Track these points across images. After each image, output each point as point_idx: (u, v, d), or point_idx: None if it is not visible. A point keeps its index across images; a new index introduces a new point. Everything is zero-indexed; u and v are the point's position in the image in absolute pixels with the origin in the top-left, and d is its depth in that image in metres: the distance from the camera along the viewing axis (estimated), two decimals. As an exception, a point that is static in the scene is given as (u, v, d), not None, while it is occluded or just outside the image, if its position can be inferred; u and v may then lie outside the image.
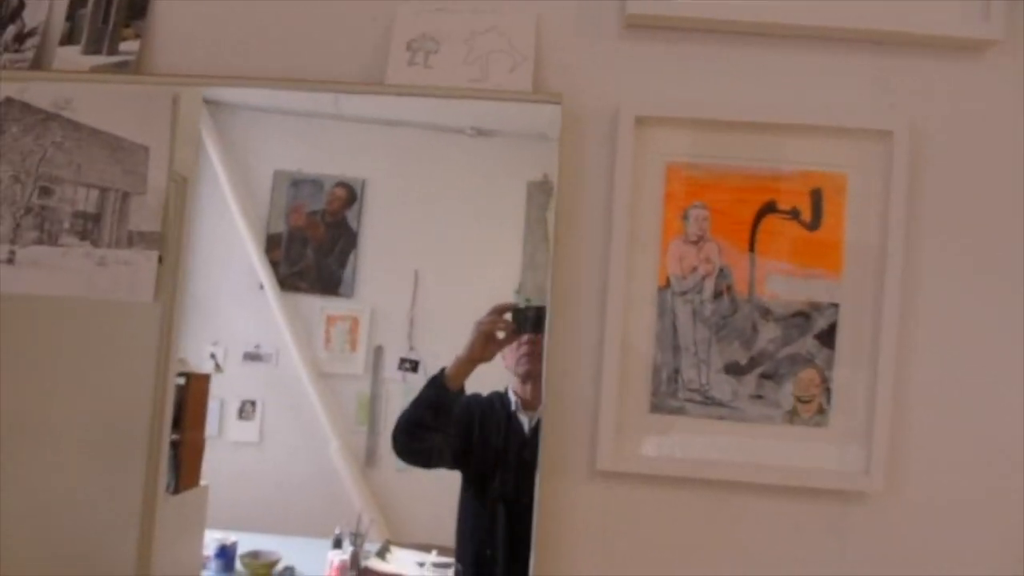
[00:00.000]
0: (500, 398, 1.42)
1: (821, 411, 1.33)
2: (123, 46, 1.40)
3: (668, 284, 1.34)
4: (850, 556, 1.34)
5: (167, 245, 1.35)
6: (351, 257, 1.44)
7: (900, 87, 1.36)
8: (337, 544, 1.44)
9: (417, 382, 1.39)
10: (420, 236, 1.44)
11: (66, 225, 1.34)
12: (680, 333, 1.34)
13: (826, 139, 1.33)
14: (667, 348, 1.34)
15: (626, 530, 1.34)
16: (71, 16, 1.43)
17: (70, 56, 1.40)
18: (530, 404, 1.40)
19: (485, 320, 1.37)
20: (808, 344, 1.33)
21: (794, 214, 1.34)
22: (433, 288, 1.42)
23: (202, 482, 1.48)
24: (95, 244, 1.34)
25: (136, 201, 1.34)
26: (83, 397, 1.46)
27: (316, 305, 1.46)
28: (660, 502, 1.34)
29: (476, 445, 1.40)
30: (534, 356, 1.37)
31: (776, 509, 1.34)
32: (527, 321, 1.36)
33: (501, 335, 1.37)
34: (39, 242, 1.34)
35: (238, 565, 1.47)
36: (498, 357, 1.38)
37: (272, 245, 1.44)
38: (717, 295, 1.34)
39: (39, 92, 1.36)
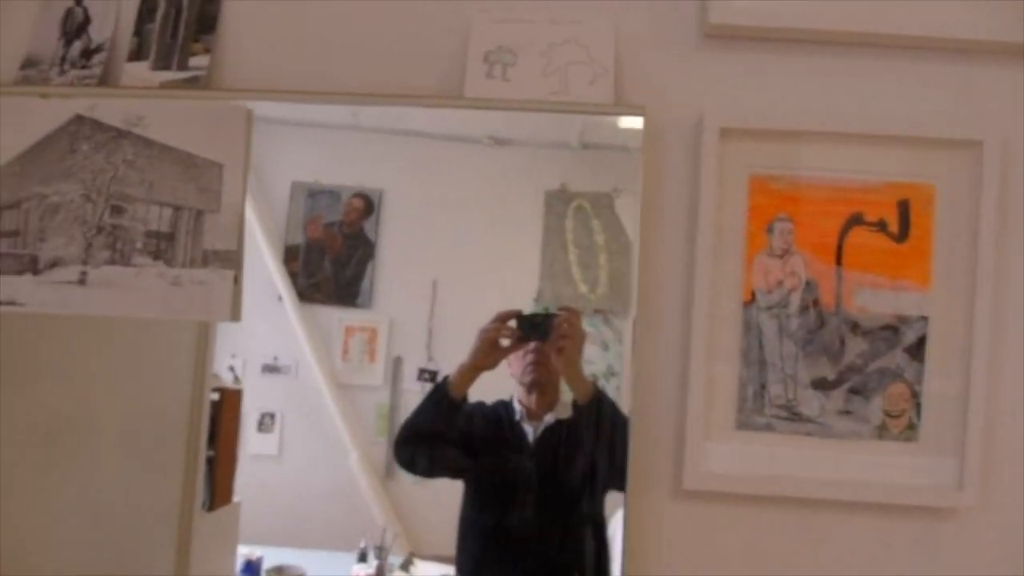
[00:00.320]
0: (505, 407, 1.40)
1: (911, 426, 1.31)
2: (193, 61, 1.37)
3: (753, 299, 1.32)
4: (941, 574, 1.31)
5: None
6: (369, 268, 1.43)
7: (989, 96, 1.34)
8: (362, 558, 1.42)
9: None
10: (438, 246, 1.42)
11: (139, 245, 1.32)
12: (766, 348, 1.31)
13: (913, 150, 1.31)
14: (753, 364, 1.31)
15: (713, 550, 1.32)
16: (138, 31, 1.40)
17: (139, 72, 1.37)
18: (535, 414, 1.39)
19: (489, 327, 1.35)
20: (897, 358, 1.30)
21: (881, 226, 1.32)
22: (451, 298, 1.40)
23: (234, 498, 1.48)
24: (169, 264, 1.31)
25: (210, 219, 1.31)
26: (120, 412, 1.45)
27: (334, 316, 1.45)
28: (747, 521, 1.31)
29: (479, 455, 1.38)
30: (540, 365, 1.36)
31: (866, 526, 1.31)
32: (532, 328, 1.34)
33: (506, 342, 1.35)
34: (111, 262, 1.32)
35: (264, 580, 1.46)
36: (504, 366, 1.36)
37: (290, 257, 1.43)
38: (803, 309, 1.32)
39: (109, 109, 1.33)
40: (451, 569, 1.39)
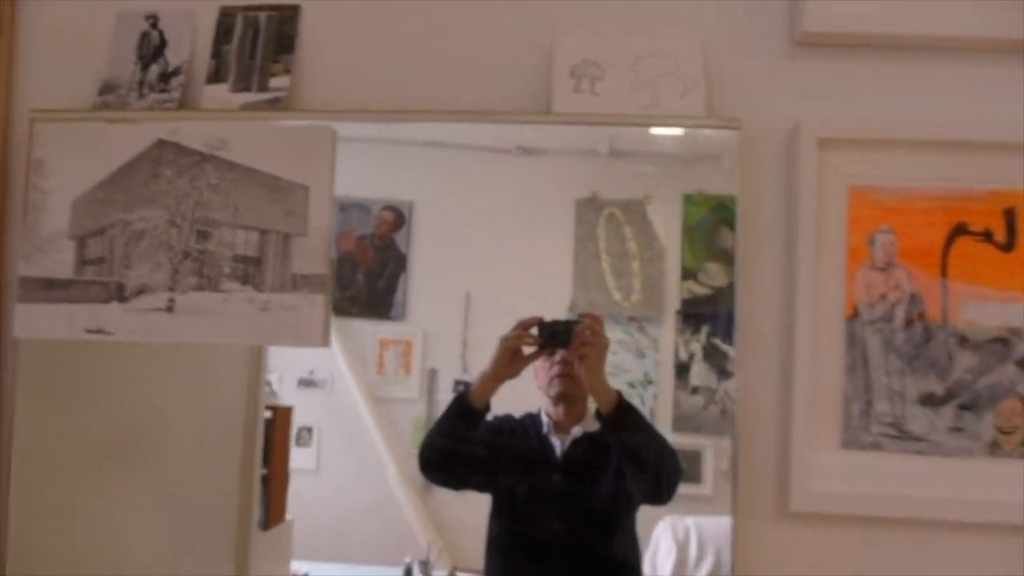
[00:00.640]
0: (533, 419, 1.37)
1: (1025, 442, 1.27)
2: (273, 82, 1.35)
3: (856, 313, 1.28)
4: (1058, 595, 1.28)
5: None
6: (401, 280, 1.41)
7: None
8: (407, 573, 1.40)
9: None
10: (470, 257, 1.41)
11: (226, 270, 1.30)
12: (871, 364, 1.27)
13: (1018, 156, 1.27)
14: (858, 380, 1.27)
15: (822, 572, 1.27)
16: (216, 53, 1.38)
17: (219, 94, 1.35)
18: (563, 426, 1.36)
19: (510, 335, 1.32)
20: (1009, 372, 1.26)
21: (987, 236, 1.27)
22: (485, 309, 1.38)
23: (287, 516, 1.46)
24: (257, 289, 1.29)
25: (298, 243, 1.29)
26: (177, 433, 1.43)
27: (368, 330, 1.44)
28: (856, 543, 1.27)
29: (506, 468, 1.35)
30: (567, 377, 1.33)
31: (979, 547, 1.27)
32: (553, 335, 1.31)
33: (528, 350, 1.32)
34: (199, 288, 1.30)
35: (308, 597, 1.44)
36: (531, 378, 1.34)
37: (324, 270, 1.42)
38: (908, 323, 1.27)
39: (192, 133, 1.32)
40: (491, 584, 1.37)
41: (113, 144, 1.34)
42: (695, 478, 1.35)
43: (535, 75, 1.35)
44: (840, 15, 1.28)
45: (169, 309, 1.30)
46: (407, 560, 1.41)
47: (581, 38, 1.34)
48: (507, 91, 1.36)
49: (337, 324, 1.41)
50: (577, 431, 1.36)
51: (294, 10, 1.38)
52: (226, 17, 1.39)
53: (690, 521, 1.35)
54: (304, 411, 1.46)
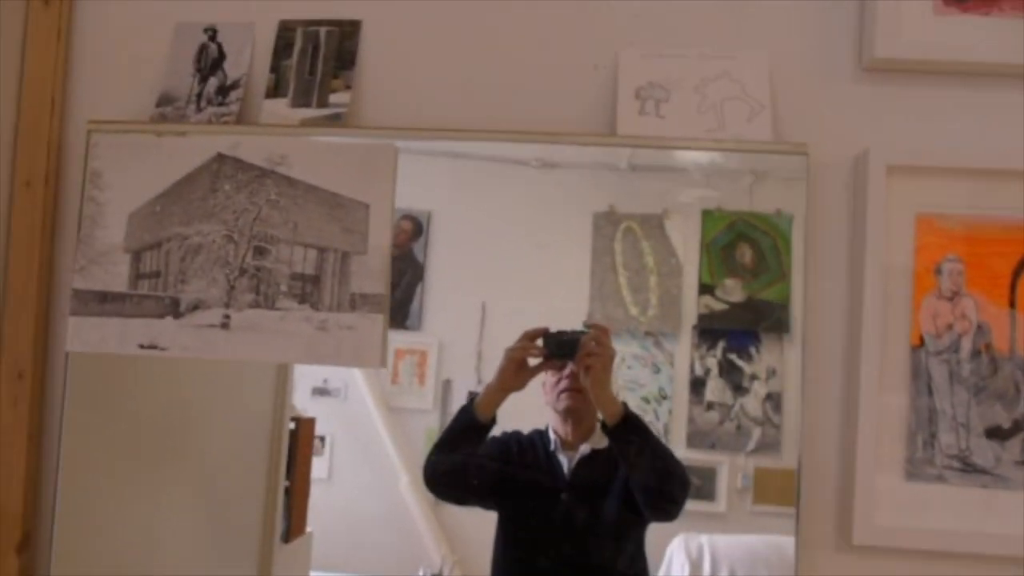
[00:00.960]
0: (540, 436, 1.35)
1: (1093, 478, 1.25)
2: (333, 98, 1.34)
3: (922, 343, 1.26)
4: (1125, 635, 1.25)
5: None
6: (418, 290, 1.40)
7: None
8: None
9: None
10: (486, 268, 1.40)
11: (283, 287, 1.28)
12: (936, 395, 1.25)
13: (1090, 186, 1.26)
14: (922, 412, 1.25)
15: (884, 608, 1.26)
16: (275, 68, 1.37)
17: (278, 109, 1.34)
18: (570, 443, 1.34)
19: (515, 346, 1.31)
20: (1077, 406, 1.25)
21: (1056, 267, 1.27)
22: (500, 320, 1.36)
23: (307, 528, 1.44)
24: (315, 308, 1.27)
25: (357, 261, 1.27)
26: (201, 444, 1.43)
27: None
28: (919, 577, 1.27)
29: (513, 486, 1.33)
30: (575, 392, 1.31)
31: (1045, 584, 1.26)
32: (558, 346, 1.29)
33: (533, 362, 1.31)
34: (255, 305, 1.28)
35: (326, 608, 1.42)
36: (539, 392, 1.32)
37: (340, 279, 1.41)
38: (975, 354, 1.26)
39: (252, 147, 1.30)
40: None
41: (171, 157, 1.32)
42: (709, 495, 1.33)
43: (597, 96, 1.34)
44: (910, 41, 1.27)
45: (224, 326, 1.28)
46: (420, 573, 1.39)
47: (645, 59, 1.32)
48: (569, 111, 1.35)
49: (353, 333, 1.41)
50: (585, 448, 1.34)
51: (355, 25, 1.38)
52: (286, 31, 1.38)
53: (704, 539, 1.33)
54: (317, 420, 1.45)
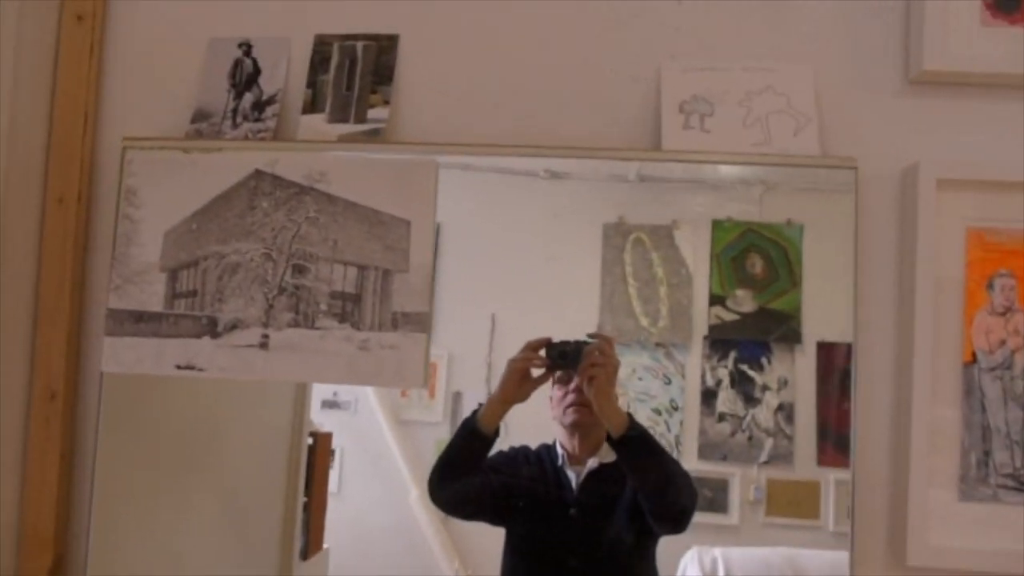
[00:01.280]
0: (548, 451, 1.33)
1: None
2: (371, 113, 1.32)
3: (974, 360, 1.24)
4: None
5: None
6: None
7: None
8: None
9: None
10: (496, 279, 1.39)
11: (323, 306, 1.26)
12: (989, 413, 1.23)
13: None
14: (975, 430, 1.23)
15: (939, 631, 1.24)
16: (312, 83, 1.35)
17: (315, 125, 1.32)
18: (577, 458, 1.32)
19: (518, 357, 1.29)
20: None
21: (1111, 281, 1.25)
22: (510, 332, 1.35)
23: (325, 545, 1.43)
24: (356, 327, 1.25)
25: (399, 279, 1.25)
26: (220, 460, 1.42)
27: None
28: (974, 600, 1.24)
29: (521, 501, 1.31)
30: (582, 405, 1.29)
31: (1103, 606, 1.23)
32: (561, 356, 1.27)
33: (536, 373, 1.29)
34: (294, 324, 1.26)
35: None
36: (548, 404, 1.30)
37: (349, 292, 1.39)
38: (1029, 371, 1.25)
39: (291, 164, 1.29)
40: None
41: (207, 174, 1.31)
42: (721, 508, 1.32)
43: (638, 109, 1.33)
44: (957, 53, 1.25)
45: (263, 346, 1.26)
46: (432, 588, 1.38)
47: (687, 73, 1.31)
48: (609, 126, 1.33)
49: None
50: (593, 463, 1.32)
51: (392, 40, 1.36)
52: (322, 46, 1.37)
53: (717, 552, 1.31)
54: (327, 433, 1.44)
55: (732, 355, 1.31)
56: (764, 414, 1.30)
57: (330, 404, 1.43)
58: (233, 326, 1.27)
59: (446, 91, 1.36)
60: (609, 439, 1.28)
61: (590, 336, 1.29)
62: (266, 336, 1.26)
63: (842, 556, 1.25)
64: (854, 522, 1.22)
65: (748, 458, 1.30)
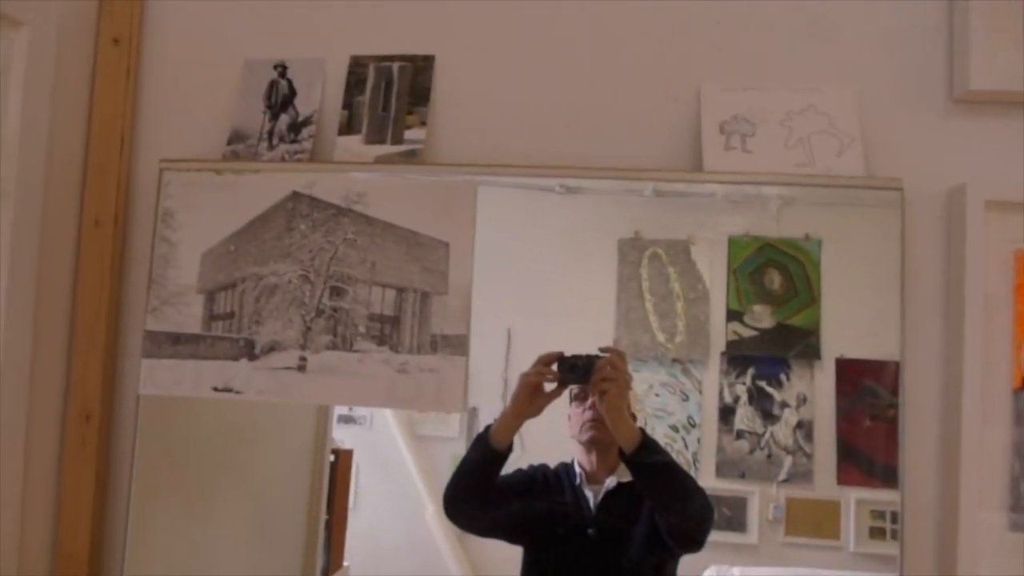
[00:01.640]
0: (566, 469, 1.32)
1: None
2: (408, 134, 1.32)
3: (1024, 385, 1.23)
4: None
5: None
6: None
7: None
8: None
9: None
10: (512, 294, 1.37)
11: (361, 329, 1.25)
12: (1040, 440, 1.22)
13: None
14: (1026, 457, 1.22)
15: (990, 662, 1.21)
16: (348, 104, 1.35)
17: (351, 146, 1.32)
18: (595, 477, 1.30)
19: (530, 371, 1.27)
20: None
21: None
22: (526, 347, 1.33)
23: (344, 563, 1.42)
24: (394, 349, 1.24)
25: (438, 302, 1.25)
26: (243, 479, 1.42)
27: None
28: (1026, 630, 1.21)
29: (539, 521, 1.29)
30: (598, 422, 1.26)
31: None
32: (573, 370, 1.25)
33: (549, 387, 1.27)
34: (332, 347, 1.25)
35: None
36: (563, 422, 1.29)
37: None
38: (1080, 396, 1.22)
39: (329, 186, 1.28)
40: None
41: (244, 195, 1.31)
42: (740, 526, 1.30)
43: (677, 130, 1.31)
44: (1004, 73, 1.23)
45: (301, 368, 1.25)
46: (450, 608, 1.36)
47: (727, 93, 1.29)
48: (648, 146, 1.32)
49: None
50: (611, 482, 1.30)
51: (428, 60, 1.36)
52: (358, 67, 1.37)
53: (736, 572, 1.30)
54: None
55: (750, 371, 1.30)
56: (783, 431, 1.29)
57: (345, 419, 1.42)
58: (271, 348, 1.27)
59: (483, 111, 1.35)
60: (622, 455, 1.27)
61: (602, 350, 1.27)
62: (304, 359, 1.26)
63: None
64: (903, 549, 1.19)
65: (767, 476, 1.28)
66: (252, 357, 1.27)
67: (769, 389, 1.29)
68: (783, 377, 1.30)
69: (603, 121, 1.33)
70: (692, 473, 1.29)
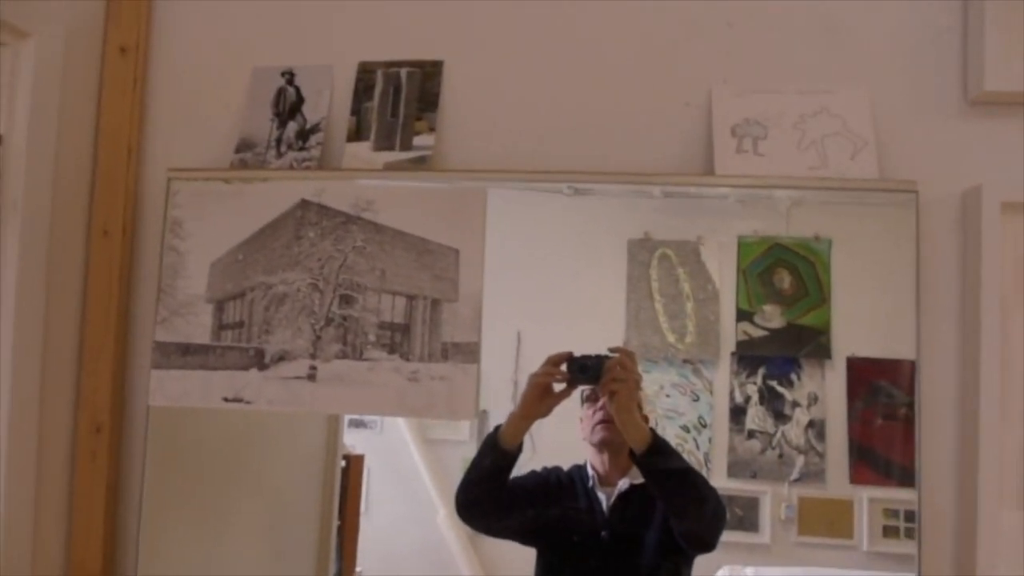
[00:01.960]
0: (579, 471, 1.31)
1: None
2: (417, 140, 1.31)
3: (1042, 386, 1.22)
4: None
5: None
6: None
7: None
8: None
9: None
10: (521, 296, 1.36)
11: (371, 337, 1.24)
12: (1059, 442, 1.21)
13: None
14: (1045, 459, 1.21)
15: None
16: (356, 110, 1.34)
17: (360, 153, 1.31)
18: (608, 479, 1.29)
19: (539, 372, 1.25)
20: None
21: None
22: (536, 349, 1.31)
23: (357, 568, 1.41)
24: (405, 358, 1.23)
25: (448, 309, 1.24)
26: (256, 487, 1.41)
27: None
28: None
29: (552, 523, 1.28)
30: (609, 423, 1.25)
31: None
32: (582, 371, 1.23)
33: (558, 388, 1.25)
34: (342, 356, 1.24)
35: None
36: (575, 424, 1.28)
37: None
38: (1099, 398, 1.21)
39: (338, 193, 1.28)
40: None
41: (253, 204, 1.30)
42: (752, 526, 1.29)
43: (689, 134, 1.31)
44: (1019, 74, 1.22)
45: (311, 377, 1.25)
46: (464, 610, 1.35)
47: (739, 96, 1.28)
48: (660, 150, 1.31)
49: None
50: (623, 484, 1.29)
51: (436, 66, 1.35)
52: (365, 73, 1.36)
53: (750, 571, 1.30)
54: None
55: (761, 371, 1.29)
56: (794, 431, 1.28)
57: (356, 423, 1.42)
58: (280, 358, 1.26)
59: (493, 117, 1.34)
60: (632, 455, 1.25)
61: (611, 350, 1.26)
62: (314, 368, 1.25)
63: (878, 577, 1.23)
64: (921, 549, 1.18)
65: (779, 476, 1.28)
66: (262, 367, 1.26)
67: (780, 389, 1.28)
68: (794, 377, 1.29)
69: (614, 125, 1.33)
70: (704, 473, 1.28)
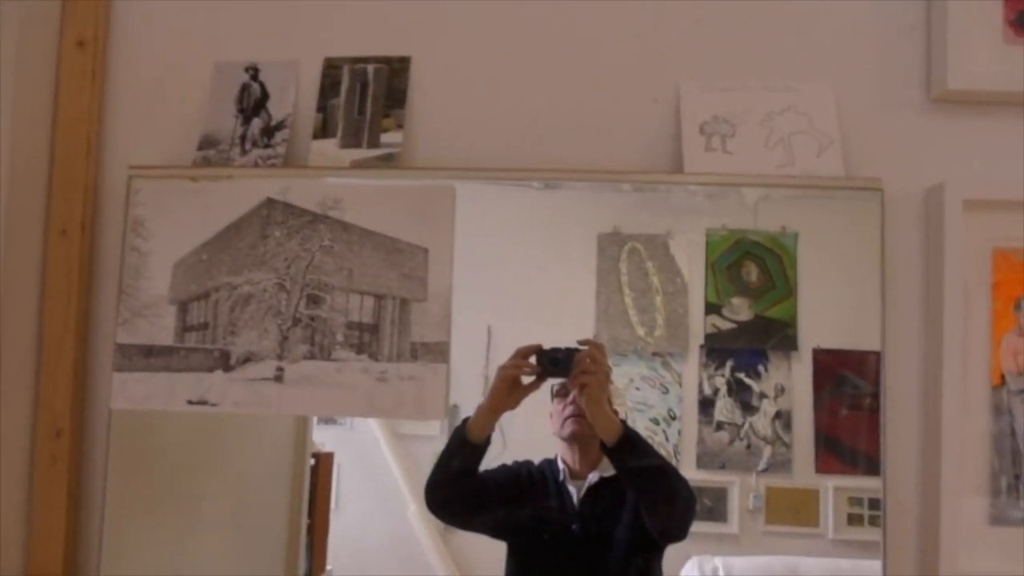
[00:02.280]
0: (550, 465, 1.32)
1: None
2: (384, 138, 1.29)
3: (1003, 382, 1.23)
4: None
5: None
6: None
7: None
8: None
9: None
10: (491, 291, 1.36)
11: (339, 337, 1.23)
12: (1019, 436, 1.22)
13: None
14: (1005, 453, 1.22)
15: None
16: (322, 107, 1.32)
17: (327, 150, 1.29)
18: (578, 472, 1.30)
19: (508, 364, 1.26)
20: None
21: None
22: (506, 344, 1.31)
23: (327, 567, 1.40)
24: (374, 358, 1.22)
25: (417, 309, 1.23)
26: (222, 484, 1.39)
27: None
28: (1006, 626, 1.22)
29: (522, 516, 1.29)
30: (579, 417, 1.26)
31: None
32: (552, 363, 1.25)
33: (526, 380, 1.26)
34: (310, 357, 1.23)
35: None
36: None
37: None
38: (1058, 392, 1.23)
39: (304, 191, 1.26)
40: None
41: (217, 202, 1.27)
42: (721, 516, 1.31)
43: (658, 131, 1.31)
44: (981, 72, 1.24)
45: (278, 379, 1.23)
46: (431, 603, 1.35)
47: (707, 93, 1.29)
48: (628, 148, 1.31)
49: (358, 359, 1.37)
50: (593, 477, 1.30)
51: (404, 62, 1.33)
52: (332, 69, 1.34)
53: (718, 561, 1.31)
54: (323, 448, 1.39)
55: (729, 363, 1.31)
56: (762, 422, 1.29)
57: (326, 419, 1.39)
58: (246, 359, 1.24)
59: (461, 114, 1.33)
60: (604, 448, 1.26)
61: (581, 343, 1.27)
62: (281, 369, 1.23)
63: (843, 564, 1.26)
64: (885, 550, 1.20)
65: (747, 466, 1.29)
66: (227, 368, 1.24)
67: (748, 380, 1.30)
68: (761, 368, 1.30)
69: (582, 122, 1.32)
70: (673, 464, 1.29)
